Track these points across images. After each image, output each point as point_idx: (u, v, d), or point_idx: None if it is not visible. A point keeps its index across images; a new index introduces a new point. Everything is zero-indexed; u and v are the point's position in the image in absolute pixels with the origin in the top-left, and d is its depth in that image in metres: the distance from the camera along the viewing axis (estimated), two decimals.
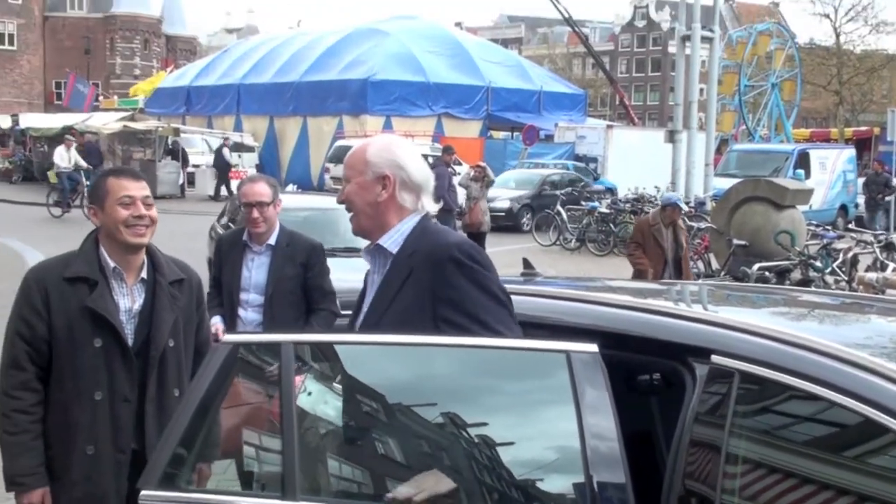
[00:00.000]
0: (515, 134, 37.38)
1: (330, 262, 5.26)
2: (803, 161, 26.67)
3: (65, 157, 24.99)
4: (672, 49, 64.47)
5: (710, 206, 19.03)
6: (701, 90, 28.74)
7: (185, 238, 14.30)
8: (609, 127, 35.77)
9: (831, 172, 27.53)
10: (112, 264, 3.24)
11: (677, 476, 2.43)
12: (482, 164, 17.07)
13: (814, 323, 3.31)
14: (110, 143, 32.93)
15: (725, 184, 19.51)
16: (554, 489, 2.26)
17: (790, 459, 2.35)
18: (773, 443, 2.40)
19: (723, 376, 2.44)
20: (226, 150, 31.08)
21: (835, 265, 12.01)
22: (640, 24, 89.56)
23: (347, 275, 4.24)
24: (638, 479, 2.22)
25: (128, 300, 3.25)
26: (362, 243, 2.85)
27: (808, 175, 25.40)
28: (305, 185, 28.08)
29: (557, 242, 21.02)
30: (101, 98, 52.22)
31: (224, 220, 11.77)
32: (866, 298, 4.16)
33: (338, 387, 2.39)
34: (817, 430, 2.42)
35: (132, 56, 70.41)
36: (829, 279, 11.60)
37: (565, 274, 15.88)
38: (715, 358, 2.48)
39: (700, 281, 11.82)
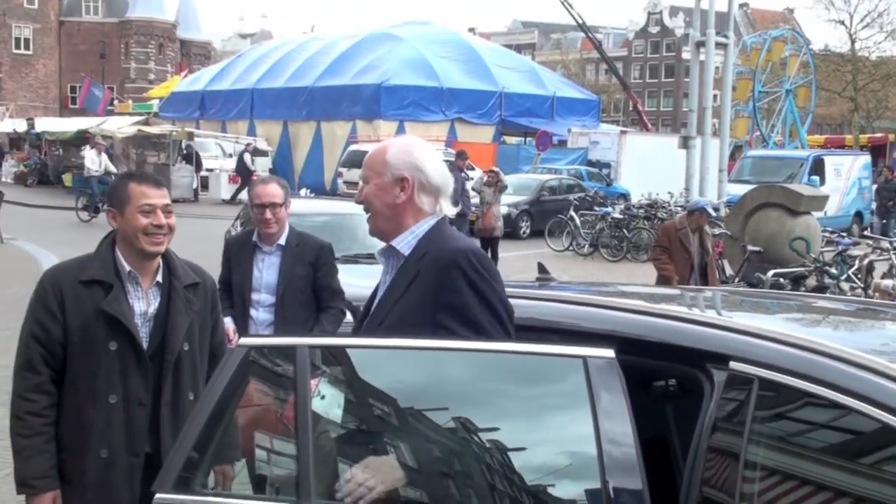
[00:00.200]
0: (528, 139, 37.49)
1: (350, 267, 5.30)
2: (818, 167, 26.55)
3: (95, 161, 25.15)
4: (686, 55, 64.45)
5: (724, 212, 18.96)
6: (715, 96, 28.63)
7: (199, 242, 14.30)
8: (622, 132, 35.79)
9: (846, 179, 27.38)
10: (128, 268, 3.24)
11: (695, 483, 2.41)
12: (495, 169, 17.10)
13: (832, 329, 3.28)
14: (125, 146, 33.08)
15: (739, 190, 19.59)
16: (569, 495, 2.25)
17: (809, 467, 2.33)
18: (792, 450, 2.38)
19: (741, 383, 2.42)
20: (247, 156, 31.19)
21: (850, 272, 11.98)
22: (654, 30, 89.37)
23: (367, 281, 4.24)
24: (653, 485, 2.20)
25: (143, 304, 3.25)
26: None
27: (822, 181, 25.28)
28: (318, 190, 28.08)
29: (570, 248, 21.04)
30: (115, 102, 52.42)
31: (238, 223, 11.78)
32: (883, 305, 4.04)
33: (352, 390, 2.39)
34: (836, 437, 2.40)
35: (147, 61, 70.61)
36: (845, 286, 11.51)
37: (578, 279, 15.86)
38: (733, 364, 2.45)
39: (715, 287, 11.74)
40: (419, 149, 2.78)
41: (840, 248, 12.87)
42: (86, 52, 69.40)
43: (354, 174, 27.33)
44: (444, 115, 36.49)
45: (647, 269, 17.79)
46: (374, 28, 42.44)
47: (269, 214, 4.98)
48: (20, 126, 42.68)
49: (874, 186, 27.62)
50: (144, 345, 3.21)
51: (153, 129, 32.94)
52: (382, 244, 2.79)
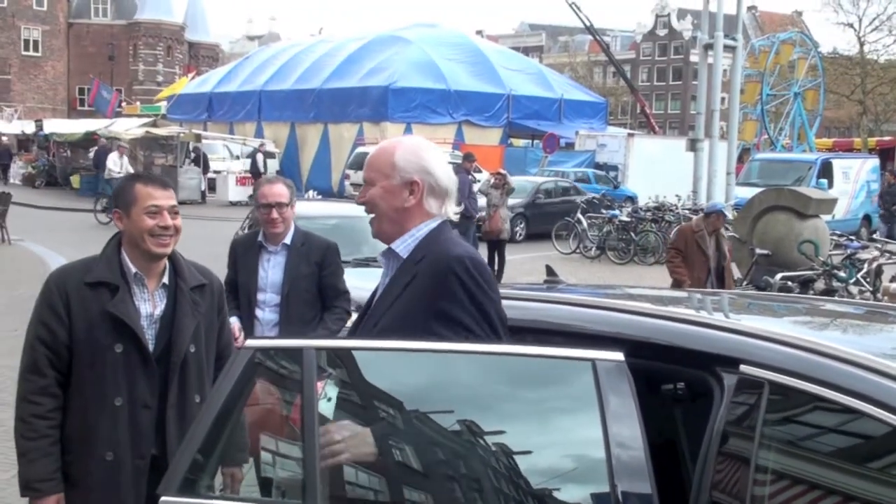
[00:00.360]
0: (536, 142, 37.50)
1: (361, 271, 5.27)
2: (826, 170, 26.41)
3: (118, 163, 25.34)
4: (693, 58, 64.43)
5: (731, 215, 18.90)
6: (723, 99, 28.71)
7: (207, 244, 14.32)
8: (630, 135, 35.76)
9: (854, 182, 27.24)
10: (134, 269, 3.22)
11: (704, 487, 2.39)
12: (502, 171, 17.07)
13: (843, 333, 3.26)
14: (132, 148, 33.11)
15: (747, 193, 19.53)
16: (577, 499, 2.23)
17: (820, 471, 2.32)
18: (804, 454, 2.37)
19: (752, 387, 2.40)
20: (259, 157, 31.17)
21: (859, 275, 11.86)
22: (662, 32, 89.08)
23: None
24: (662, 489, 2.18)
25: (149, 305, 3.24)
26: None
27: (831, 185, 25.21)
28: (325, 192, 28.12)
29: (577, 251, 20.99)
30: (123, 104, 52.53)
31: (247, 224, 11.74)
32: (893, 308, 4.00)
33: (359, 393, 2.38)
34: (848, 441, 2.38)
35: (155, 63, 70.77)
36: (854, 289, 11.44)
37: (586, 282, 15.77)
38: (744, 368, 2.43)
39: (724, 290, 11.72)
40: (428, 150, 2.74)
41: (849, 251, 12.77)
42: (94, 53, 69.62)
43: (361, 176, 27.11)
44: (452, 117, 36.49)
45: (655, 271, 18.13)
46: (381, 30, 42.46)
47: (275, 214, 4.98)
48: (28, 127, 42.79)
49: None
50: (150, 347, 3.20)
51: (161, 131, 32.99)
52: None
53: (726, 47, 25.64)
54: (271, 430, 2.42)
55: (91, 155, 32.86)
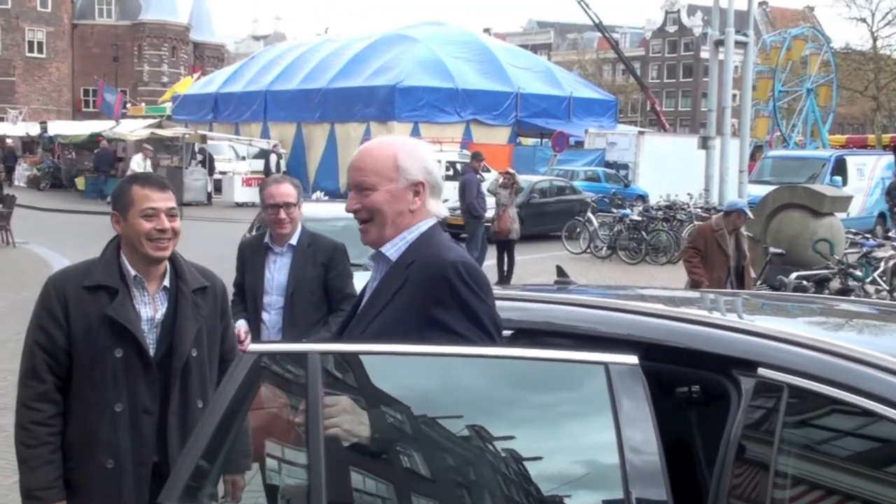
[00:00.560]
0: (545, 140, 37.41)
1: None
2: (840, 167, 26.18)
3: (141, 165, 25.57)
4: (704, 54, 64.48)
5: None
6: (734, 95, 28.60)
7: (213, 245, 14.31)
8: (640, 133, 35.82)
9: (869, 179, 26.98)
10: (133, 272, 3.18)
11: (722, 493, 2.34)
12: (511, 170, 17.01)
13: (863, 334, 3.20)
14: (137, 149, 33.19)
15: (760, 191, 19.40)
16: None
17: (841, 477, 2.28)
18: (824, 459, 2.33)
19: (770, 390, 2.36)
20: (273, 157, 31.11)
21: (875, 274, 11.84)
22: (672, 29, 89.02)
23: None
24: (677, 494, 2.15)
25: (150, 309, 3.20)
26: None
27: (845, 182, 24.96)
28: (333, 193, 28.10)
29: (588, 250, 20.91)
30: (128, 105, 52.59)
31: (255, 227, 11.67)
32: None
33: (365, 398, 2.32)
34: (870, 446, 2.34)
35: (160, 63, 70.83)
36: (870, 288, 11.38)
37: (597, 283, 15.79)
38: (762, 371, 2.39)
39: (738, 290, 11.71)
40: (425, 149, 2.69)
41: (864, 249, 12.73)
42: (99, 55, 69.77)
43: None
44: (460, 116, 36.43)
45: (667, 271, 18.23)
46: (388, 29, 42.47)
47: (282, 214, 4.94)
48: (33, 129, 42.90)
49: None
50: (151, 351, 3.16)
51: (166, 132, 33.02)
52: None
53: (737, 43, 25.51)
54: (276, 437, 2.38)
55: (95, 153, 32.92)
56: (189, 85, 45.94)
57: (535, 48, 76.01)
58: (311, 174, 35.92)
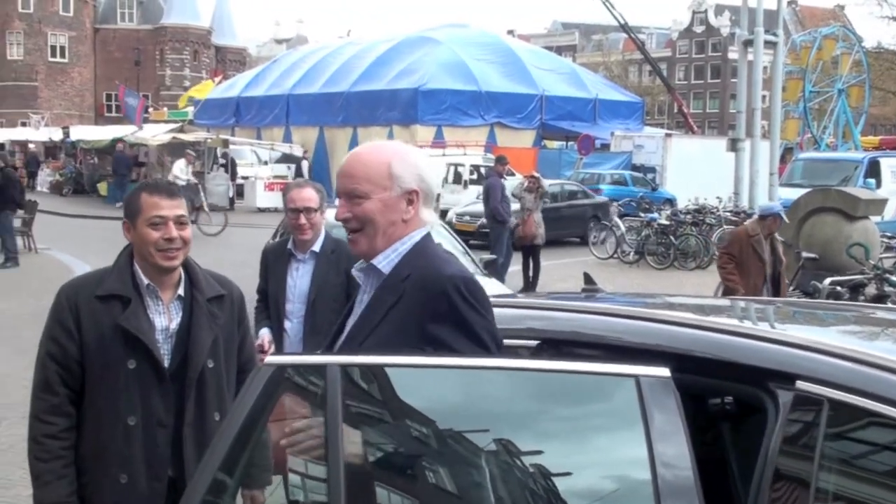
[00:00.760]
0: (570, 143, 37.18)
1: None
2: (874, 170, 25.77)
3: (184, 171, 25.44)
4: (732, 55, 63.98)
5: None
6: (764, 97, 28.30)
7: (235, 250, 14.14)
8: (667, 135, 35.63)
9: None
10: (146, 281, 3.12)
11: None
12: (535, 174, 16.80)
13: None
14: (159, 154, 33.09)
15: (791, 194, 19.24)
16: None
17: (886, 495, 2.17)
18: (868, 476, 2.24)
19: (810, 404, 2.28)
20: (305, 164, 30.86)
21: None
22: (699, 29, 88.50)
23: None
24: None
25: (164, 319, 3.13)
26: None
27: (879, 184, 24.58)
28: None
29: (615, 255, 20.63)
30: (150, 110, 52.71)
31: (279, 233, 11.34)
32: None
33: (387, 411, 2.27)
34: None
35: (182, 67, 71.36)
36: None
37: (625, 289, 15.68)
38: (800, 384, 2.30)
39: (772, 298, 11.26)
40: (419, 155, 2.59)
41: None
42: (121, 59, 70.51)
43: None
44: (484, 119, 36.32)
45: (696, 276, 18.27)
46: (410, 32, 42.54)
47: (303, 220, 4.86)
48: (56, 135, 42.97)
49: None
50: (166, 362, 3.09)
51: (188, 137, 32.85)
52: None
53: (767, 43, 25.45)
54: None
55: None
56: (210, 88, 46.01)
57: (559, 50, 75.89)
58: (334, 179, 35.46)
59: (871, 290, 10.74)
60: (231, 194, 32.09)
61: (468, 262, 9.80)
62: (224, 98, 45.34)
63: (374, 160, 2.51)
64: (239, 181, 33.22)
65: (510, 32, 70.07)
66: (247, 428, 2.22)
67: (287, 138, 38.27)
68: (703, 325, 2.77)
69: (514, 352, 2.80)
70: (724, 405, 2.82)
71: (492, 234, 15.92)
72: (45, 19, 68.34)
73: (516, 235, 15.67)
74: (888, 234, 15.06)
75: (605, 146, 34.56)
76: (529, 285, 15.32)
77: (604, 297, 3.88)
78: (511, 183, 17.21)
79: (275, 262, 5.08)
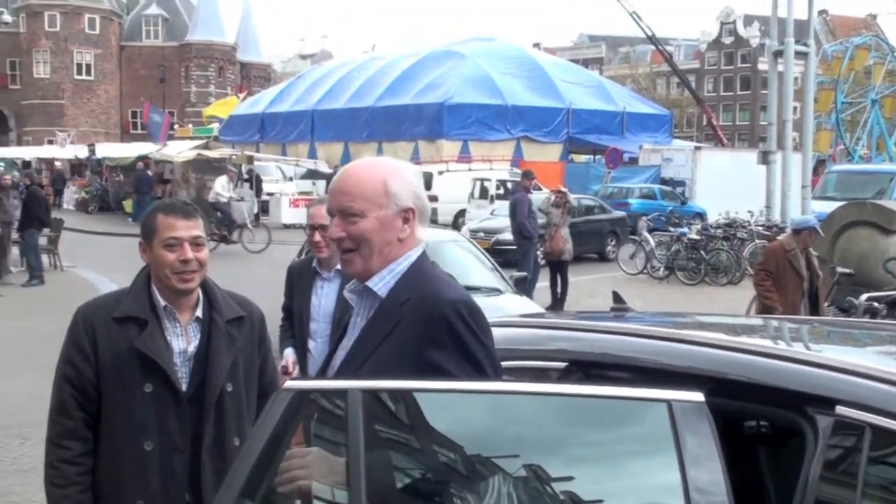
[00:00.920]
0: (598, 157, 37.13)
1: None
2: None
3: (226, 187, 25.41)
4: (762, 66, 63.46)
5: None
6: (795, 108, 27.91)
7: (260, 267, 14.02)
8: (697, 148, 35.45)
9: None
10: (163, 302, 3.06)
11: None
12: (563, 188, 16.66)
13: None
14: (184, 171, 33.11)
15: (825, 207, 18.90)
16: None
17: None
18: None
19: (850, 430, 2.24)
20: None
21: None
22: (728, 40, 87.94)
23: None
24: None
25: (182, 341, 3.06)
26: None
27: None
28: None
29: (645, 271, 20.41)
30: (175, 126, 53.00)
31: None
32: None
33: (411, 436, 2.24)
34: None
35: (207, 84, 71.91)
36: None
37: (654, 305, 15.49)
38: (840, 409, 2.26)
39: (809, 317, 11.02)
40: (413, 171, 2.52)
41: None
42: (146, 76, 71.18)
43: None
44: (510, 133, 36.34)
45: (728, 292, 18.07)
46: (435, 46, 42.65)
47: (318, 237, 4.71)
48: (81, 152, 43.26)
49: None
50: (183, 386, 3.02)
51: (212, 153, 32.90)
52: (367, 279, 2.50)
53: (797, 54, 25.13)
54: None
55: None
56: (233, 105, 46.34)
57: (586, 62, 75.97)
58: None
59: None
60: (256, 210, 32.08)
61: (497, 279, 9.64)
62: (249, 114, 45.72)
63: (370, 177, 2.43)
64: (264, 197, 33.24)
65: (536, 45, 70.27)
66: (267, 454, 2.19)
67: (312, 154, 38.43)
68: (736, 347, 2.72)
69: (544, 373, 2.82)
70: (760, 428, 2.83)
71: (519, 250, 15.74)
72: (72, 37, 69.11)
73: (543, 251, 15.50)
74: None
75: (634, 160, 34.50)
76: (558, 302, 15.16)
77: (633, 316, 3.83)
78: (538, 198, 17.03)
79: (299, 280, 5.00)
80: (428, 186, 28.78)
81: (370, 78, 39.76)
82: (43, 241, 18.59)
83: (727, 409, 2.47)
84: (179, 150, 34.35)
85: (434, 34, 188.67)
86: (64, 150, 46.21)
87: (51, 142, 55.65)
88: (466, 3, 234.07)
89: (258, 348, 3.25)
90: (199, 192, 31.91)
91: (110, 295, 3.21)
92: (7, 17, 52.75)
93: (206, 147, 34.32)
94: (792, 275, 9.34)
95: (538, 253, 15.91)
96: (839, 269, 12.04)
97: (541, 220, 15.81)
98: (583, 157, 39.50)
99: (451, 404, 2.23)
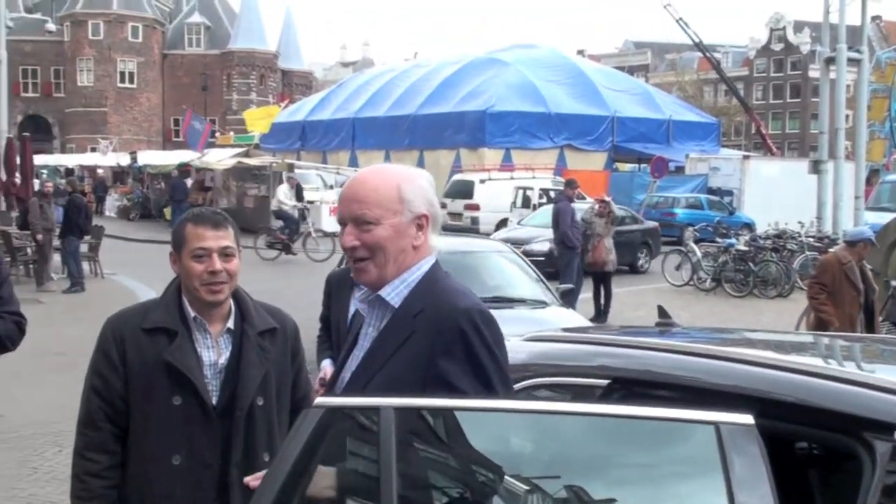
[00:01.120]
0: (643, 166, 36.87)
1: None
2: None
3: (288, 195, 25.58)
4: (813, 73, 62.70)
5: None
6: (847, 116, 27.38)
7: (300, 276, 13.90)
8: (745, 157, 35.22)
9: None
10: (193, 313, 3.02)
11: None
12: (606, 198, 16.35)
13: None
14: (225, 179, 33.13)
15: (878, 218, 18.78)
16: None
17: None
18: None
19: None
20: None
21: None
22: (777, 47, 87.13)
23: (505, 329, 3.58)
24: None
25: (213, 353, 3.02)
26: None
27: None
28: None
29: (691, 282, 20.07)
30: (217, 134, 53.31)
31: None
32: None
33: (447, 455, 2.20)
34: None
35: (248, 92, 72.58)
36: None
37: (701, 317, 15.29)
38: None
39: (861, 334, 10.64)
40: (424, 178, 2.51)
41: None
42: (188, 84, 72.10)
43: (459, 205, 27.21)
44: (553, 141, 36.11)
45: (777, 305, 17.44)
46: (478, 53, 42.61)
47: None
48: (123, 160, 43.74)
49: None
50: (213, 399, 2.98)
51: (253, 161, 32.93)
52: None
53: (850, 60, 24.61)
54: (347, 494, 2.29)
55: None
56: (276, 113, 46.50)
57: (631, 70, 75.70)
58: None
59: None
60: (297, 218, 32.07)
61: (543, 291, 9.33)
62: (290, 122, 45.92)
63: (384, 184, 2.42)
64: (305, 205, 33.23)
65: (580, 52, 70.26)
66: (297, 471, 2.16)
67: (353, 162, 38.36)
68: (787, 367, 2.68)
69: (586, 390, 2.82)
70: (812, 450, 2.82)
71: (561, 261, 15.41)
72: (115, 46, 70.23)
73: (586, 262, 15.24)
74: None
75: (680, 169, 34.30)
76: (601, 313, 14.92)
77: (679, 331, 3.78)
78: (581, 207, 16.63)
79: (338, 290, 5.00)
80: (469, 195, 28.65)
81: (412, 85, 39.82)
82: (84, 248, 18.70)
83: (777, 430, 2.43)
84: (220, 158, 34.48)
85: (457, 36, 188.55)
86: (106, 158, 46.76)
87: (93, 149, 56.37)
88: (489, 5, 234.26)
89: (291, 361, 3.21)
90: (239, 199, 31.91)
91: (140, 305, 3.20)
92: (51, 26, 53.71)
93: (246, 155, 34.31)
94: (848, 288, 9.12)
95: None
96: (893, 283, 11.94)
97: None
98: (627, 166, 39.44)
99: (488, 422, 2.20)
